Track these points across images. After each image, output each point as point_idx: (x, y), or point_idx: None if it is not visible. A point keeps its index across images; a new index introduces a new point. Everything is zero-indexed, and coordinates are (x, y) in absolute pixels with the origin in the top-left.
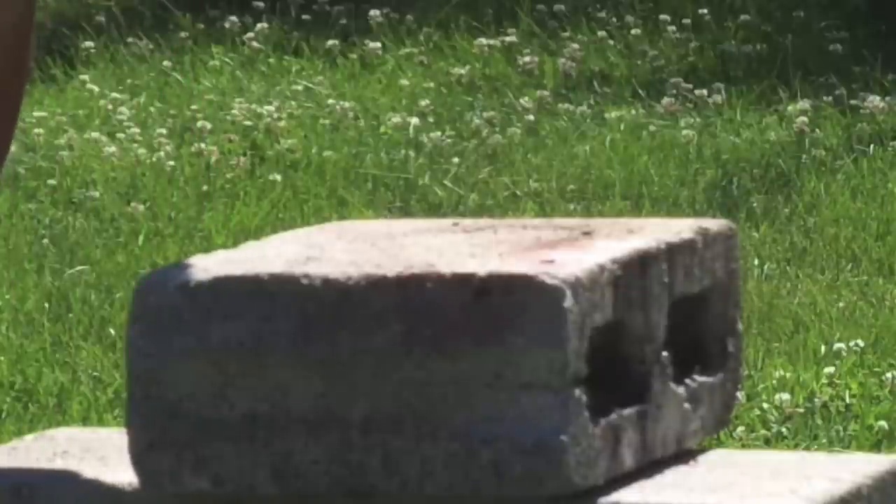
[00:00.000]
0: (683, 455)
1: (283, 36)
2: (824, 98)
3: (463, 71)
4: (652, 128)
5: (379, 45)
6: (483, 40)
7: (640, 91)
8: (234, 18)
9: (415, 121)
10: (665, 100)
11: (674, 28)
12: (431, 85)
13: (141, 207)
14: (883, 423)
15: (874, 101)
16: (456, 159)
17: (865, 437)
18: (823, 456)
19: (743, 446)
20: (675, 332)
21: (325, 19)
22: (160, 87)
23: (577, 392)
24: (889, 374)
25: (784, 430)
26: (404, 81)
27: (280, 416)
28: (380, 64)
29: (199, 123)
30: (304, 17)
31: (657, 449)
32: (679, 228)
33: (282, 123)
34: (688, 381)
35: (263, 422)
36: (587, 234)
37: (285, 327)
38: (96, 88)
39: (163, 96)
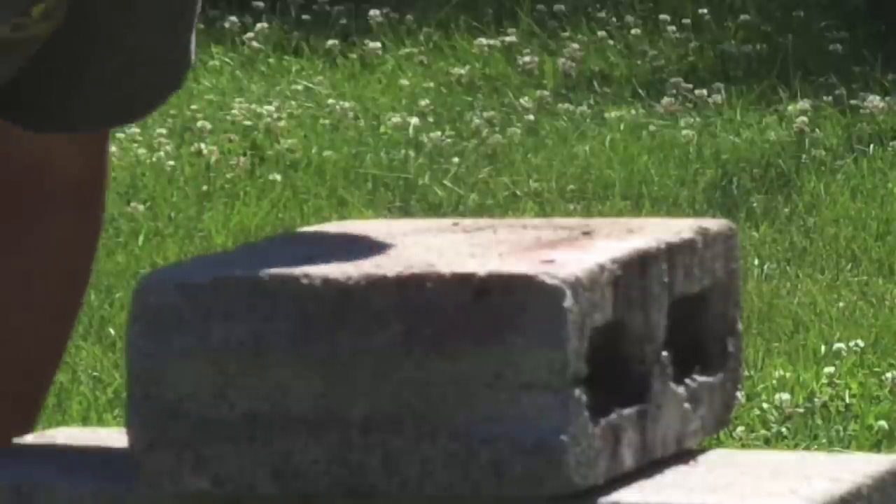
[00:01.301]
0: (683, 455)
1: (283, 36)
2: (824, 98)
3: (463, 71)
4: (652, 128)
5: (379, 45)
6: (483, 40)
7: (640, 91)
8: (234, 18)
9: (415, 121)
10: (665, 100)
11: (674, 28)
12: (431, 85)
13: (141, 207)
14: (883, 423)
15: (874, 101)
16: (456, 159)
17: (865, 437)
18: (823, 456)
19: (743, 446)
20: (675, 332)
21: (325, 19)
22: None
23: (577, 392)
24: (889, 374)
25: (784, 430)
26: (404, 81)
27: (280, 416)
28: (380, 64)
29: (199, 123)
30: (304, 17)
31: (657, 449)
32: (679, 228)
33: (282, 123)
34: (688, 381)
35: (263, 422)
36: (587, 234)
37: (285, 327)
38: None
39: None
